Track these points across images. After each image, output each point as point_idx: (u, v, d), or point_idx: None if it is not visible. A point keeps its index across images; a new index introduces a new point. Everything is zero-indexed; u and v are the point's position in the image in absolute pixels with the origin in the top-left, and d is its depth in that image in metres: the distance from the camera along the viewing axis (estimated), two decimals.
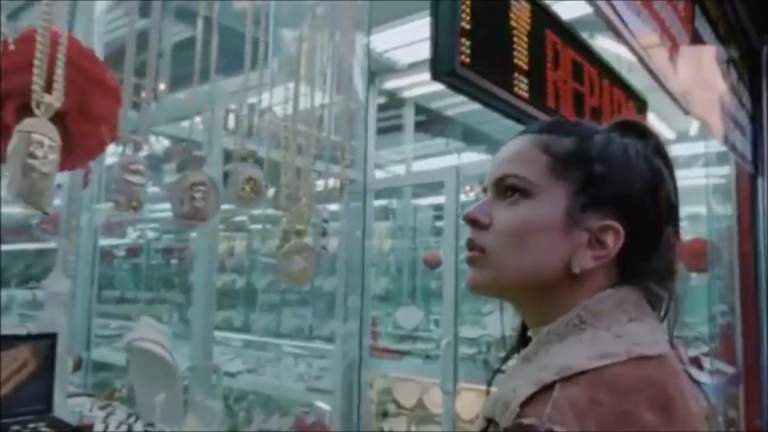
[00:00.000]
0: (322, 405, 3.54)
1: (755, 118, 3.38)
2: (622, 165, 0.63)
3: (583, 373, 0.53)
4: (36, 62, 0.70)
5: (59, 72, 0.73)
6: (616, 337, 0.57)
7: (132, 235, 4.96)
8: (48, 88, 0.72)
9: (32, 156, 0.68)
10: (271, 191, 1.27)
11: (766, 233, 3.46)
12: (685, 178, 4.56)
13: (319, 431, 3.13)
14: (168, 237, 5.23)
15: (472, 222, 0.66)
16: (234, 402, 3.83)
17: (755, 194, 3.41)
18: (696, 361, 2.99)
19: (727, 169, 3.59)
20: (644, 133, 0.68)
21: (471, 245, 0.66)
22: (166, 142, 2.43)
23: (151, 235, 5.06)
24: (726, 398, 3.34)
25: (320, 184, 1.55)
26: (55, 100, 0.71)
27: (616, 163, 0.63)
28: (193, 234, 3.39)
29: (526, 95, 1.42)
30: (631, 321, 0.59)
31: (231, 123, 1.73)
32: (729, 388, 3.36)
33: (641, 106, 2.15)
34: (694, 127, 3.81)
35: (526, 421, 0.50)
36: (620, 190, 0.63)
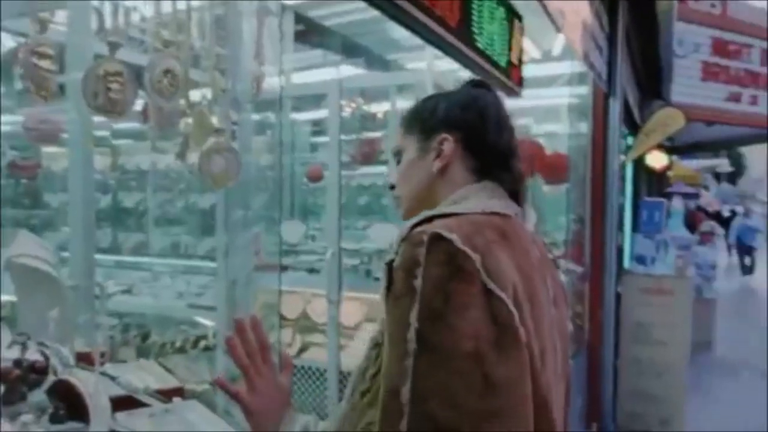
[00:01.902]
0: (205, 321, 3.53)
1: (612, 41, 3.65)
2: (444, 100, 0.94)
3: (452, 215, 0.79)
4: None
5: None
6: (473, 203, 0.84)
7: None
8: None
9: None
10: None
11: (616, 149, 3.83)
12: (548, 98, 4.87)
13: None
14: (14, 153, 4.72)
15: (391, 187, 0.99)
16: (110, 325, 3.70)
17: (607, 113, 3.74)
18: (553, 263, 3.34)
19: (585, 89, 3.87)
20: (481, 84, 0.99)
21: (395, 197, 0.97)
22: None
23: None
24: (574, 295, 3.79)
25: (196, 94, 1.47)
26: None
27: (441, 100, 0.94)
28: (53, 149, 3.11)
29: None
30: (490, 198, 0.86)
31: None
32: (577, 286, 3.81)
33: (517, 18, 2.24)
34: (557, 48, 4.04)
35: (414, 233, 0.74)
36: (444, 114, 0.92)
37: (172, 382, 1.26)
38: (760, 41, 11.15)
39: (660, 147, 7.86)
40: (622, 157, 4.57)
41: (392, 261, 0.74)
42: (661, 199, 5.58)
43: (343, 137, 4.62)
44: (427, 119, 0.93)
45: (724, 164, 27.67)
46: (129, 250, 4.69)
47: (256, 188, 4.42)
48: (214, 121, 1.21)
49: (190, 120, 1.21)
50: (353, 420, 0.78)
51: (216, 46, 1.35)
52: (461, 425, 0.65)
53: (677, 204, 12.70)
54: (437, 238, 0.71)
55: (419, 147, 0.93)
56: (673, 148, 14.33)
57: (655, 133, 5.00)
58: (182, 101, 1.19)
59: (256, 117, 4.41)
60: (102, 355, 1.31)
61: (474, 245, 0.71)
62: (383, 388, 0.70)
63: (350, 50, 4.67)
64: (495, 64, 2.36)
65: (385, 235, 3.31)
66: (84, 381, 0.93)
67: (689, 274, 4.07)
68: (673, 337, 3.77)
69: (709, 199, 28.16)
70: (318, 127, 4.99)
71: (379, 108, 4.63)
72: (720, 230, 15.67)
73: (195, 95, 1.21)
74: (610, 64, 3.68)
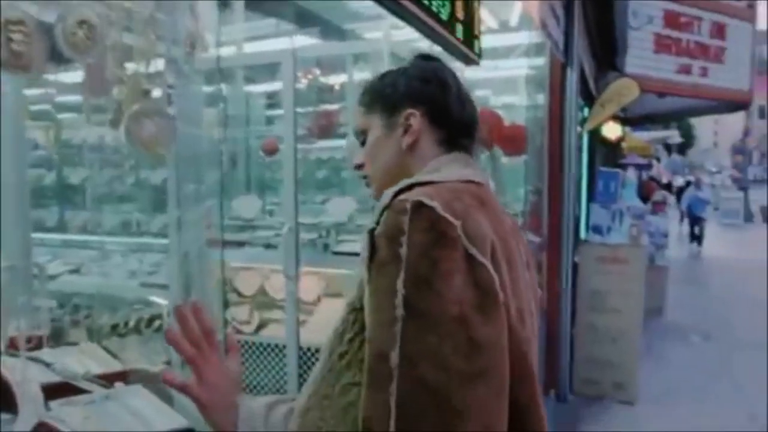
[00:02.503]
0: (158, 300, 3.43)
1: (569, 10, 3.63)
2: (403, 75, 0.94)
3: (431, 183, 0.81)
4: None
5: None
6: (447, 173, 0.85)
7: None
8: None
9: None
10: None
11: (573, 120, 3.84)
12: (505, 69, 4.85)
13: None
14: None
15: (357, 167, 0.98)
16: (58, 306, 3.55)
17: (565, 83, 3.74)
18: None
19: (542, 60, 3.86)
20: (432, 57, 0.99)
21: (364, 177, 0.97)
22: None
23: None
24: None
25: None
26: None
27: (400, 76, 0.94)
28: None
29: None
30: (464, 167, 0.88)
31: None
32: (536, 256, 3.84)
33: None
34: (515, 18, 4.01)
35: (396, 201, 0.76)
36: (406, 89, 0.92)
37: (115, 366, 1.19)
38: (710, 13, 11.38)
39: (614, 118, 7.97)
40: (579, 129, 4.60)
41: (374, 229, 0.75)
42: (617, 170, 5.67)
43: (299, 110, 4.52)
44: (389, 95, 0.93)
45: (674, 136, 28.40)
46: (77, 229, 4.52)
47: (208, 163, 4.31)
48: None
49: (123, 87, 1.11)
50: (331, 381, 0.80)
51: (151, 9, 1.25)
52: (450, 386, 0.68)
53: (631, 175, 13.04)
54: (419, 206, 0.73)
55: (384, 124, 0.93)
56: (626, 119, 14.60)
57: (611, 104, 5.04)
58: (117, 69, 1.09)
59: (208, 89, 4.27)
60: (29, 340, 1.23)
61: (454, 211, 0.74)
62: (370, 352, 0.72)
63: (305, 19, 4.54)
64: (453, 33, 2.31)
65: (343, 209, 3.26)
66: (11, 369, 0.85)
67: (643, 243, 4.16)
68: (627, 304, 3.86)
69: (660, 170, 29.01)
70: (273, 100, 4.85)
71: (337, 80, 4.53)
72: (672, 199, 16.18)
73: (129, 60, 1.12)
74: (567, 34, 3.66)
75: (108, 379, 0.98)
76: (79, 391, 0.95)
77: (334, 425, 0.78)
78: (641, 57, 10.56)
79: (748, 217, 19.10)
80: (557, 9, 3.50)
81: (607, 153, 12.34)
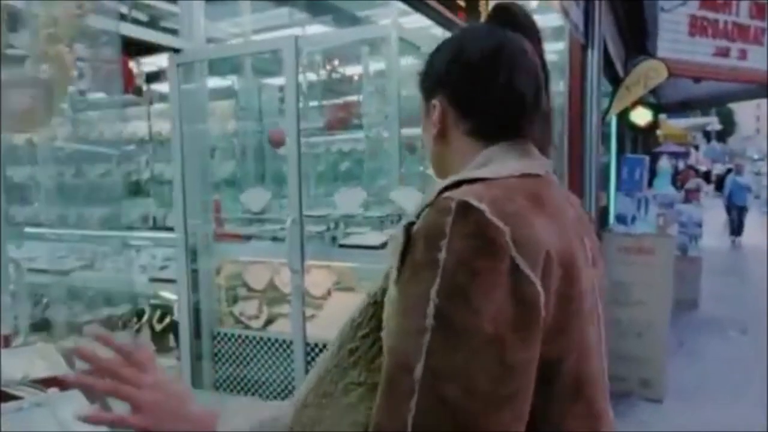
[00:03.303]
0: (169, 295, 3.41)
1: None
2: (440, 50, 0.85)
3: (480, 180, 0.72)
4: None
5: None
6: (498, 168, 0.75)
7: None
8: None
9: None
10: None
11: (595, 103, 3.66)
12: None
13: None
14: None
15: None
16: (67, 299, 3.56)
17: (585, 66, 3.57)
18: None
19: (561, 45, 3.69)
20: (499, 15, 0.86)
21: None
22: None
23: None
24: None
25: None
26: None
27: (437, 52, 0.86)
28: None
29: None
30: (520, 158, 0.78)
31: None
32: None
33: None
34: (534, 2, 3.85)
35: (442, 198, 0.68)
36: (435, 70, 0.84)
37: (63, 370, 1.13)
38: None
39: (645, 104, 7.69)
40: (604, 114, 4.41)
41: (411, 224, 0.68)
42: (643, 156, 5.44)
43: (319, 102, 4.45)
44: (423, 79, 0.87)
45: (713, 122, 27.57)
46: (96, 224, 4.54)
47: (222, 156, 4.28)
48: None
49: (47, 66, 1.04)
50: (335, 377, 0.75)
51: None
52: (474, 409, 0.62)
53: (664, 163, 12.61)
54: (465, 207, 0.65)
55: (423, 109, 0.87)
56: (660, 106, 14.17)
57: (637, 87, 4.82)
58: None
59: (218, 81, 4.24)
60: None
61: (505, 215, 0.65)
62: (392, 361, 0.66)
63: (317, 8, 4.46)
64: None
65: (352, 201, 3.17)
66: None
67: (671, 233, 3.96)
68: (654, 296, 3.68)
69: (698, 158, 28.18)
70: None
71: (356, 70, 4.45)
72: (706, 187, 15.57)
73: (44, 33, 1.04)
74: (587, 13, 3.49)
75: (48, 384, 0.92)
76: (11, 397, 0.89)
77: (329, 426, 0.72)
78: (674, 40, 10.18)
79: None
80: None
81: (640, 140, 11.97)
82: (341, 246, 2.90)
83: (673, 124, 20.08)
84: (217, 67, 3.80)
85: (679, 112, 19.28)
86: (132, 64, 4.45)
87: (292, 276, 2.77)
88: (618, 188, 4.22)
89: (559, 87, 3.80)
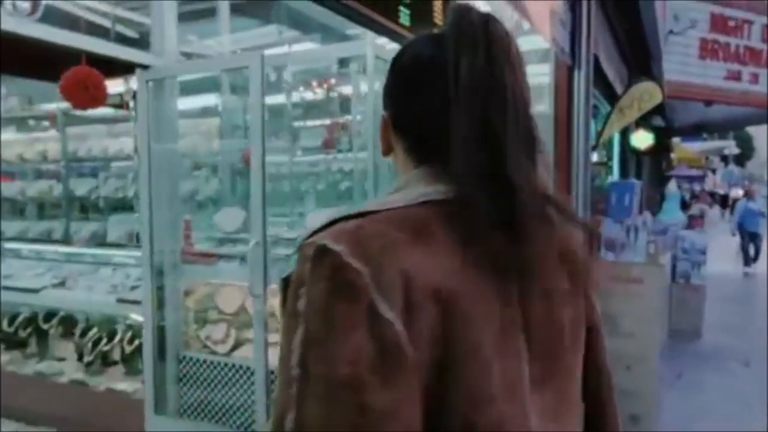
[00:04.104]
0: (137, 317, 3.33)
1: (574, 8, 3.34)
2: (389, 74, 0.79)
3: (365, 214, 0.68)
4: None
5: None
6: (405, 194, 0.71)
7: None
8: None
9: None
10: None
11: (583, 126, 3.54)
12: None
13: None
14: None
15: None
16: (29, 321, 3.51)
17: (571, 87, 3.45)
18: None
19: (546, 68, 3.58)
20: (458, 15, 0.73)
21: None
22: None
23: None
24: None
25: None
26: None
27: (388, 76, 0.79)
28: None
29: None
30: (426, 185, 0.71)
31: None
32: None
33: None
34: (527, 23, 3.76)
35: (304, 244, 0.66)
36: (385, 82, 0.79)
37: None
38: (761, 16, 10.74)
39: (647, 126, 7.54)
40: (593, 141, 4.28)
41: (289, 276, 0.68)
42: (634, 181, 5.29)
43: (317, 122, 4.39)
44: (383, 92, 0.81)
45: (730, 146, 27.18)
46: (81, 241, 4.49)
47: (208, 175, 4.22)
48: None
49: None
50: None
51: None
52: None
53: (673, 187, 12.37)
54: (322, 251, 0.63)
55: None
56: (673, 129, 13.98)
57: (631, 109, 4.69)
58: None
59: (202, 99, 4.19)
60: None
61: (367, 255, 0.63)
62: (274, 412, 0.66)
63: (306, 26, 4.42)
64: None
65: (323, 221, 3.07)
66: None
67: (662, 262, 3.79)
68: (644, 328, 3.53)
69: (715, 182, 27.74)
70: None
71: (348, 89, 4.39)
72: (719, 211, 15.16)
73: None
74: (573, 34, 3.39)
75: None
76: None
77: None
78: (684, 63, 10.05)
79: None
80: (561, 11, 3.24)
81: (645, 164, 11.76)
82: None
83: (688, 148, 19.84)
84: (199, 84, 3.76)
85: (693, 135, 19.05)
86: (120, 81, 4.45)
87: (254, 301, 2.68)
88: (606, 214, 4.09)
89: (545, 109, 3.70)
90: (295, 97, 4.61)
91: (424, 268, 0.63)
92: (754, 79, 10.82)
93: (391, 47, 3.08)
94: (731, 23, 10.49)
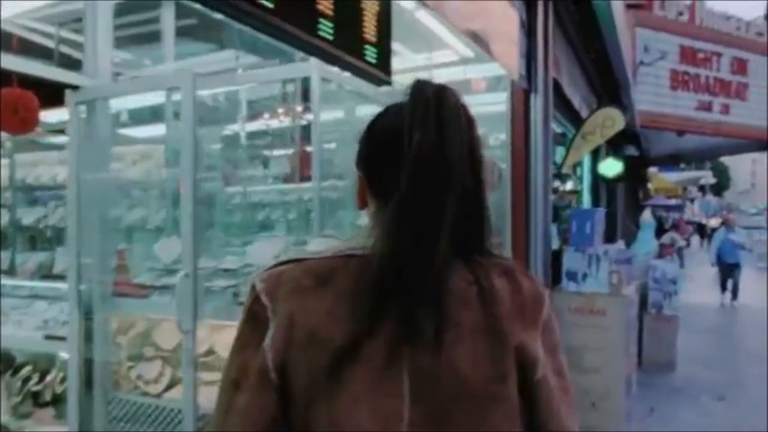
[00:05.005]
0: (66, 355, 3.11)
1: (530, 32, 3.25)
2: (362, 139, 0.90)
3: (300, 260, 0.85)
4: None
5: None
6: (344, 243, 0.86)
7: None
8: None
9: None
10: None
11: (540, 153, 3.43)
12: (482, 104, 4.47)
13: None
14: None
15: None
16: None
17: (528, 111, 3.34)
18: None
19: (502, 96, 3.43)
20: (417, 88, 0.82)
21: None
22: None
23: None
24: None
25: None
26: None
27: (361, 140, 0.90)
28: None
29: None
30: (366, 239, 0.82)
31: None
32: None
33: None
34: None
35: (250, 279, 0.87)
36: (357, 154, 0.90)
37: None
38: (730, 49, 10.92)
39: (616, 155, 7.49)
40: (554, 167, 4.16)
41: None
42: (597, 209, 5.19)
43: (282, 152, 4.25)
44: (356, 155, 0.91)
45: (707, 176, 27.50)
46: (26, 273, 4.27)
47: (158, 203, 4.04)
48: None
49: None
50: None
51: None
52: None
53: (647, 216, 12.34)
54: (252, 285, 0.85)
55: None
56: (648, 159, 14.06)
57: (594, 136, 4.62)
58: None
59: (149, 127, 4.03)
60: None
61: (275, 295, 0.81)
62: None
63: (266, 51, 4.30)
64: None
65: (266, 253, 2.91)
66: None
67: (626, 292, 3.66)
68: (608, 362, 3.37)
69: (693, 212, 28.00)
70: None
71: (325, 116, 4.26)
72: (682, 242, 15.05)
73: None
74: (528, 57, 3.29)
75: None
76: None
77: None
78: (656, 93, 10.13)
79: None
80: (516, 36, 3.16)
81: (629, 193, 11.73)
82: (240, 304, 2.62)
83: (665, 177, 20.02)
84: (154, 111, 3.61)
85: (669, 165, 19.23)
86: None
87: (184, 337, 2.48)
88: (566, 243, 3.96)
89: (501, 135, 3.56)
90: (261, 124, 4.50)
91: (311, 311, 0.78)
92: (725, 110, 10.95)
93: (337, 70, 2.96)
94: (701, 55, 10.65)
